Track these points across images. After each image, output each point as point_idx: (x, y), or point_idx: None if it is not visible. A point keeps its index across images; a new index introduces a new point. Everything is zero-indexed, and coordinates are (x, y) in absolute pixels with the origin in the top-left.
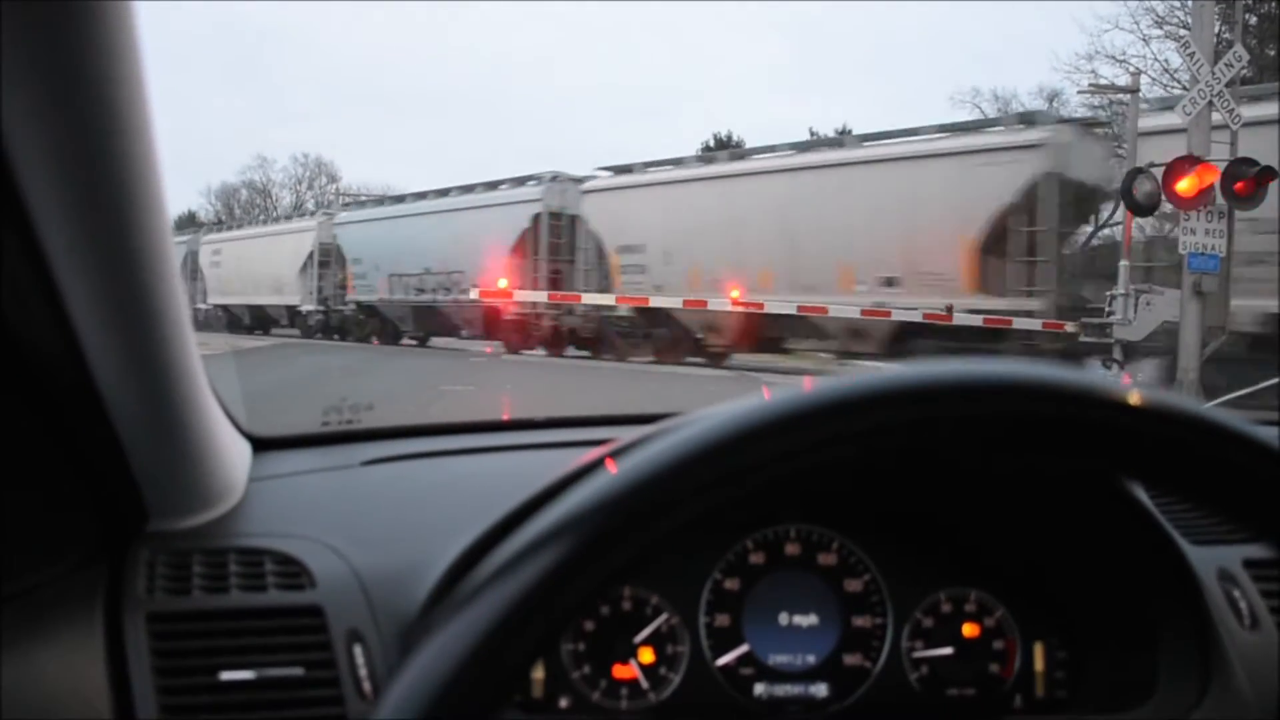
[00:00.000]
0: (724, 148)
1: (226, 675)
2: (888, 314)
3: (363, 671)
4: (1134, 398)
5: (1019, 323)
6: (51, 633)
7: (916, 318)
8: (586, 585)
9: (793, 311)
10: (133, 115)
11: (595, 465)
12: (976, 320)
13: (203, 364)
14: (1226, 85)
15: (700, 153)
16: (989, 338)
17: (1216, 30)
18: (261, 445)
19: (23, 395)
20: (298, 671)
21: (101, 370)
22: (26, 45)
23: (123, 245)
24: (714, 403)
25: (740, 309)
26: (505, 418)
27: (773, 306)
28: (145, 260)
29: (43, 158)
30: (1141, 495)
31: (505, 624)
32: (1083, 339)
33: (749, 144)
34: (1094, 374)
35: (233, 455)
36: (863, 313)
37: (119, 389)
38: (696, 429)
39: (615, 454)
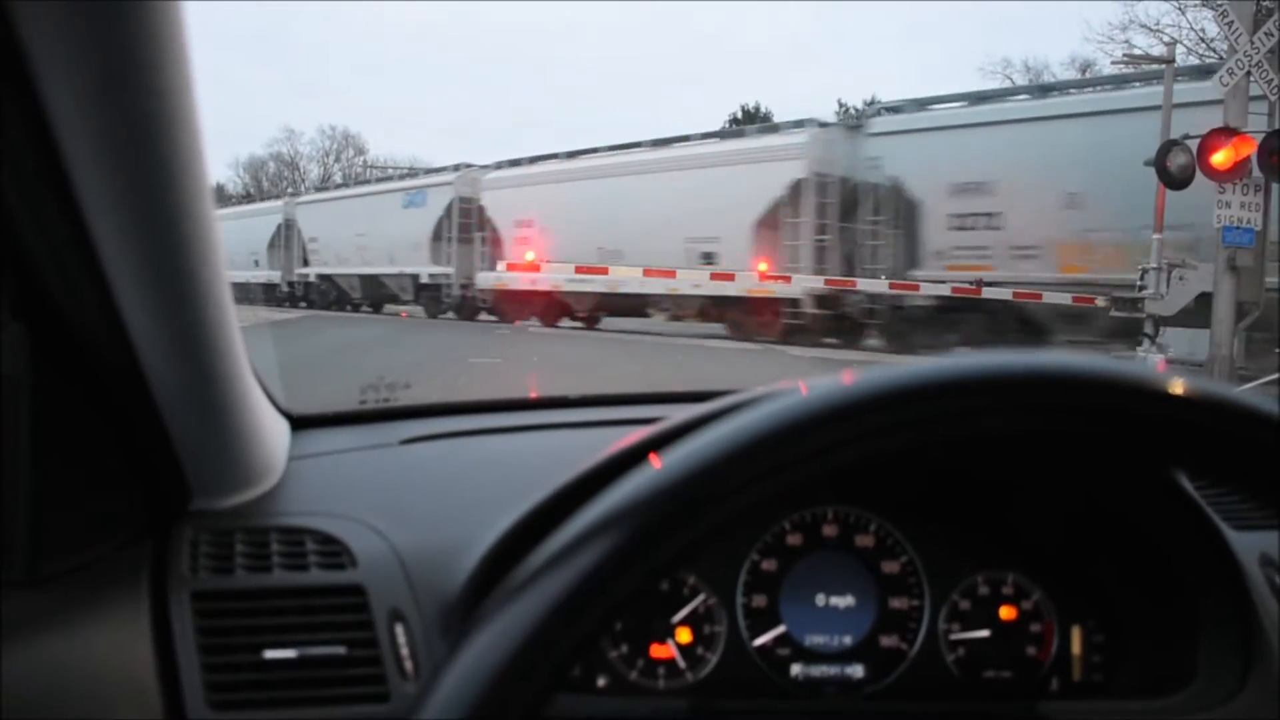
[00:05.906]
0: (751, 120)
1: (270, 654)
2: None
3: (404, 651)
4: (1179, 389)
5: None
6: (99, 610)
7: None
8: (641, 574)
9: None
10: (180, 102)
11: (638, 448)
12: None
13: (243, 342)
14: (1265, 54)
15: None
16: None
17: None
18: (299, 423)
19: (73, 376)
20: (340, 650)
21: (147, 352)
22: (76, 35)
23: (169, 231)
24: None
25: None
26: (544, 395)
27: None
28: (191, 245)
29: (92, 146)
30: (1182, 479)
31: (560, 612)
32: (1113, 314)
33: (777, 117)
34: (1137, 365)
35: (273, 434)
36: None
37: (164, 370)
38: (753, 416)
39: (663, 437)
